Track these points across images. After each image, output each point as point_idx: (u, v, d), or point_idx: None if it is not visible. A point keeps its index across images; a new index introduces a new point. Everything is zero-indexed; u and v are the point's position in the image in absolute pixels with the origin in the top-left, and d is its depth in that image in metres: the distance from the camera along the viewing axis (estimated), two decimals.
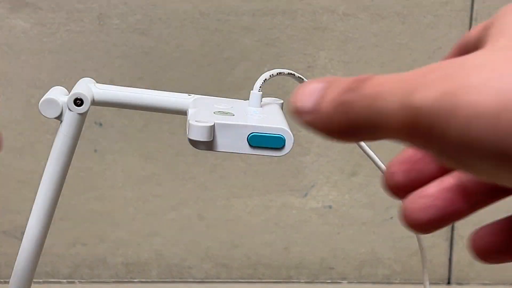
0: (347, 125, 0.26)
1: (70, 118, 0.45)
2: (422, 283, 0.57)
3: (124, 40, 0.88)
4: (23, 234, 0.47)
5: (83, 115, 0.46)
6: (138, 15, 0.88)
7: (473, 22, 0.91)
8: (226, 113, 0.43)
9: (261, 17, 0.89)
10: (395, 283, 1.00)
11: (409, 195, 0.32)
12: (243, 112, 0.45)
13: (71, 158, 0.46)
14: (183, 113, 0.47)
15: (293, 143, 0.43)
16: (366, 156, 0.51)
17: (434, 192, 0.32)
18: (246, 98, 0.50)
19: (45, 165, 0.47)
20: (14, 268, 0.47)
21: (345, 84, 0.27)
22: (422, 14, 0.90)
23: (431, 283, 1.00)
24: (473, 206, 0.33)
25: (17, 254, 0.48)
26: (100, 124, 0.91)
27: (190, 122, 0.40)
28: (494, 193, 0.32)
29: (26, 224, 0.47)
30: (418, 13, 0.90)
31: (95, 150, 0.92)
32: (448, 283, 1.00)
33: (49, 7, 0.87)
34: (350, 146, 0.92)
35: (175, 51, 0.89)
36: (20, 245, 0.48)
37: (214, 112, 0.43)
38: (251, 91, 0.46)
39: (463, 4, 0.90)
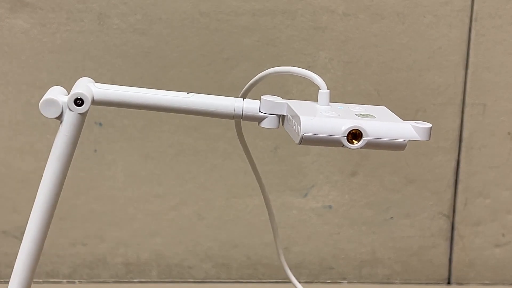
0: None
1: (70, 118, 0.45)
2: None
3: (124, 40, 0.88)
4: (23, 234, 0.47)
5: (83, 115, 0.45)
6: (138, 15, 0.88)
7: (473, 22, 0.91)
8: (368, 116, 0.43)
9: (261, 17, 0.89)
10: (395, 283, 1.00)
11: None
12: (350, 112, 0.44)
13: (71, 158, 0.46)
14: (183, 111, 0.47)
15: None
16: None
17: None
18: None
19: (45, 165, 0.47)
20: (14, 268, 0.47)
21: None
22: (422, 14, 0.90)
23: (431, 283, 1.00)
24: None
25: (17, 254, 0.48)
26: (100, 124, 0.91)
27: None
28: None
29: (26, 224, 0.47)
30: (418, 13, 0.90)
31: (95, 150, 0.92)
32: (448, 283, 1.00)
33: (49, 7, 0.87)
34: None
35: (175, 51, 0.89)
36: (20, 245, 0.48)
37: (356, 114, 0.42)
38: (322, 91, 0.45)
39: (463, 4, 0.90)
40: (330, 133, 0.41)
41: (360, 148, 0.41)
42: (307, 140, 0.41)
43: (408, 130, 0.42)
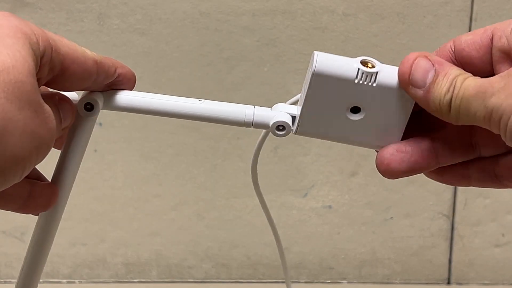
0: (450, 110, 0.38)
1: (79, 123, 0.45)
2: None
3: (124, 40, 0.88)
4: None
5: (92, 120, 0.45)
6: (138, 15, 0.88)
7: (473, 22, 0.91)
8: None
9: (261, 17, 0.89)
10: (395, 283, 1.00)
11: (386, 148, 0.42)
12: None
13: (80, 164, 0.45)
14: (193, 118, 0.46)
15: None
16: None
17: (411, 150, 0.41)
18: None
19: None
20: (20, 271, 0.47)
21: (450, 79, 0.39)
22: (422, 14, 0.90)
23: (431, 283, 1.00)
24: (439, 163, 0.42)
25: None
26: (100, 124, 0.91)
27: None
28: (457, 156, 0.42)
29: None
30: (418, 13, 0.90)
31: (95, 150, 0.92)
32: (448, 283, 1.00)
33: (49, 7, 0.87)
34: (350, 146, 0.92)
35: (175, 51, 0.89)
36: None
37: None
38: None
39: (463, 4, 0.90)
40: (344, 64, 0.41)
41: (375, 75, 0.41)
42: (319, 75, 0.41)
43: None
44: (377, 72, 0.41)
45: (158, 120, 0.91)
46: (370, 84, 0.41)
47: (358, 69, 0.41)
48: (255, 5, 0.88)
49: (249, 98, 0.88)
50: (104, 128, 0.91)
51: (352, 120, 0.43)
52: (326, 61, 0.41)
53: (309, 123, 0.43)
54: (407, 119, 0.43)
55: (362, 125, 0.43)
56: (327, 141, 0.45)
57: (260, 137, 0.50)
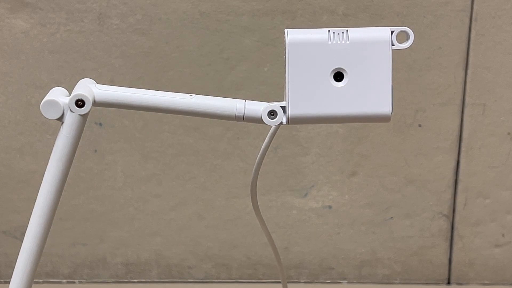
0: None
1: (71, 119, 0.45)
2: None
3: (124, 40, 0.88)
4: (23, 234, 0.47)
5: (84, 116, 0.45)
6: (138, 15, 0.88)
7: (473, 22, 0.91)
8: None
9: (261, 17, 0.89)
10: (395, 283, 1.00)
11: None
12: None
13: (73, 159, 0.46)
14: (185, 113, 0.47)
15: None
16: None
17: None
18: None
19: (45, 165, 0.47)
20: (14, 268, 0.47)
21: None
22: (422, 14, 0.90)
23: (431, 283, 1.00)
24: None
25: (18, 254, 0.48)
26: (100, 124, 0.91)
27: None
28: None
29: (26, 224, 0.47)
30: (418, 13, 0.90)
31: (95, 150, 0.92)
32: (448, 283, 1.00)
33: (49, 7, 0.87)
34: (350, 146, 0.92)
35: (175, 51, 0.89)
36: (20, 245, 0.48)
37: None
38: None
39: (463, 4, 0.90)
40: (315, 30, 0.43)
41: (346, 32, 0.43)
42: (294, 44, 0.43)
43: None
44: (347, 30, 0.42)
45: (158, 120, 0.91)
46: (344, 42, 0.42)
47: (329, 30, 0.42)
48: (255, 5, 0.88)
49: (249, 98, 0.88)
50: (104, 128, 0.91)
51: (339, 89, 0.43)
52: (297, 32, 0.43)
53: (299, 104, 0.44)
54: (391, 74, 0.44)
55: (350, 92, 0.43)
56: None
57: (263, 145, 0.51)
